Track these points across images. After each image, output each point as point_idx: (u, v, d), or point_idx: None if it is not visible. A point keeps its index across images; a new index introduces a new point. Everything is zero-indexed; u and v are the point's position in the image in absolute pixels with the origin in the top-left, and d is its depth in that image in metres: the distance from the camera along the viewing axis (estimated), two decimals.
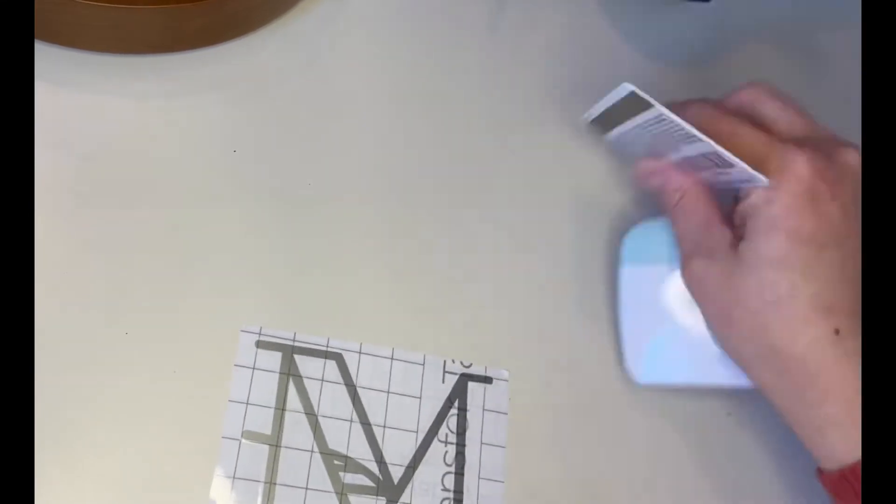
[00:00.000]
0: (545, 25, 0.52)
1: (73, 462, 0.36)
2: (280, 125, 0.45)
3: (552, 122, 0.49)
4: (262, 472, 0.38)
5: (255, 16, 0.45)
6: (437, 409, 0.41)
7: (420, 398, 0.41)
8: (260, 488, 0.38)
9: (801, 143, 0.38)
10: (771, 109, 0.40)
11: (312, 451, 0.39)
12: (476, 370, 0.42)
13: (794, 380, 0.37)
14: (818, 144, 0.38)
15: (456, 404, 0.41)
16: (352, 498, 0.39)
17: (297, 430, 0.39)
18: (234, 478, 0.37)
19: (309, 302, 0.41)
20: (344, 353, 0.41)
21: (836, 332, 0.36)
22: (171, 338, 0.39)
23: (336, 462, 0.39)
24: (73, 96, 0.42)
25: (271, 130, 0.44)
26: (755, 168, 0.37)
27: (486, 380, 0.42)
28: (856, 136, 0.54)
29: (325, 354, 0.40)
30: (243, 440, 0.38)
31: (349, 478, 0.39)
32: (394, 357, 0.41)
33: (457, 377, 0.42)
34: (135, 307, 0.39)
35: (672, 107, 0.38)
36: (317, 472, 0.38)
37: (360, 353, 0.41)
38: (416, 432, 0.40)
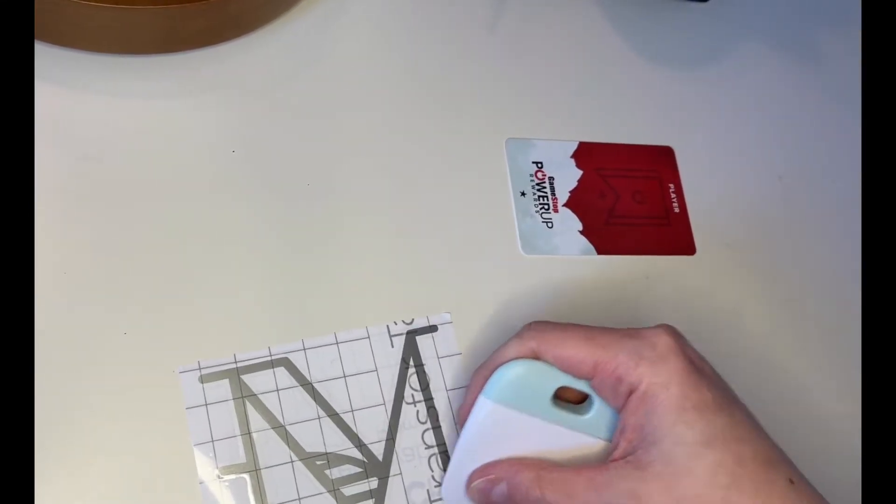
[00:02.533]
0: (545, 26, 0.52)
1: (72, 462, 0.36)
2: (279, 125, 0.45)
3: (552, 122, 0.49)
4: (251, 501, 0.37)
5: (255, 16, 0.45)
6: (396, 374, 0.41)
7: (376, 370, 0.41)
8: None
9: (626, 335, 0.36)
10: (560, 348, 0.36)
11: (293, 461, 0.38)
12: (419, 323, 0.42)
13: None
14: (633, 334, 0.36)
15: (411, 362, 0.42)
16: (345, 490, 0.38)
17: (270, 447, 0.38)
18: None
19: (242, 318, 0.40)
20: (289, 355, 0.40)
21: (791, 481, 0.34)
22: (170, 337, 0.39)
23: (318, 462, 0.39)
24: (73, 96, 0.42)
25: (270, 131, 0.44)
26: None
27: (432, 328, 0.42)
28: (856, 135, 0.55)
29: (272, 364, 0.40)
30: (222, 477, 0.37)
31: (336, 472, 0.39)
32: (338, 341, 0.41)
33: (404, 336, 0.42)
34: (134, 307, 0.39)
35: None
36: (304, 480, 0.38)
37: (304, 349, 0.40)
38: (384, 404, 0.40)
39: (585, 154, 0.49)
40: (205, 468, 0.37)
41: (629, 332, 0.36)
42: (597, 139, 0.50)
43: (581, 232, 0.47)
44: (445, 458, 0.40)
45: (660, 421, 0.34)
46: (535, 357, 0.37)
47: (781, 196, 0.52)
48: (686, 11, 0.56)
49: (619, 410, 0.36)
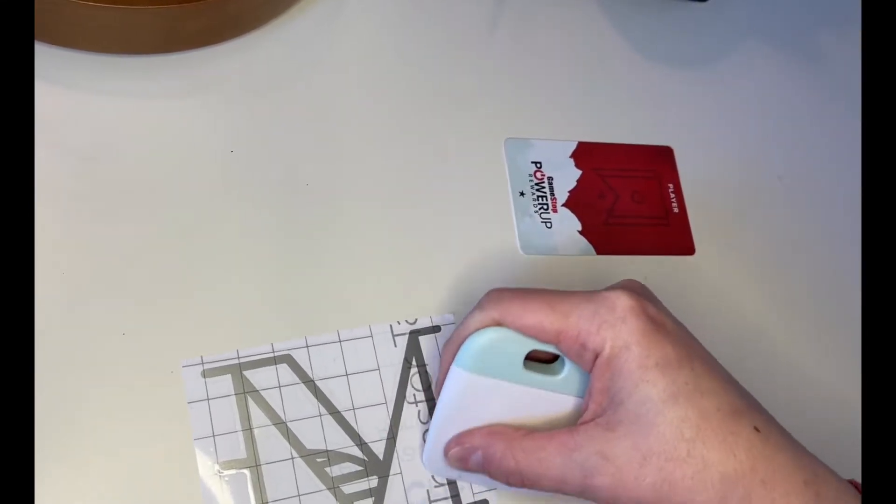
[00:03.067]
0: (544, 25, 0.52)
1: (72, 461, 0.36)
2: (278, 125, 0.45)
3: (551, 122, 0.49)
4: (250, 497, 0.37)
5: (255, 16, 0.45)
6: (398, 373, 0.41)
7: (378, 369, 0.41)
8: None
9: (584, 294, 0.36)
10: (522, 317, 0.36)
11: (293, 458, 0.38)
12: (422, 323, 0.42)
13: (754, 499, 0.34)
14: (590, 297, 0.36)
15: (414, 362, 0.42)
16: (344, 488, 0.38)
17: (271, 443, 0.38)
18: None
19: (244, 315, 0.40)
20: (292, 352, 0.40)
21: (756, 429, 0.35)
22: (172, 334, 0.39)
23: (319, 460, 0.39)
24: (73, 96, 0.42)
25: (269, 131, 0.44)
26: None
27: (435, 329, 0.42)
28: (856, 135, 0.55)
29: (274, 360, 0.40)
30: (222, 472, 0.37)
31: (336, 470, 0.39)
32: (341, 339, 0.41)
33: (407, 336, 0.42)
34: (134, 307, 0.39)
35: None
36: (304, 476, 0.38)
37: (307, 346, 0.40)
38: (385, 403, 0.40)
39: (584, 154, 0.49)
40: (205, 463, 0.37)
41: (589, 296, 0.36)
42: (596, 139, 0.50)
43: (580, 232, 0.47)
44: None
45: (624, 382, 0.35)
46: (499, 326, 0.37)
47: (781, 196, 0.52)
48: (686, 11, 0.56)
49: (589, 373, 0.36)
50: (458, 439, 0.38)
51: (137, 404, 0.38)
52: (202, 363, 0.39)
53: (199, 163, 0.43)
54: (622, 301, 0.35)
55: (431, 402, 0.41)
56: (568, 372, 0.37)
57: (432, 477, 0.40)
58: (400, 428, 0.40)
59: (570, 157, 0.49)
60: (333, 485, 0.39)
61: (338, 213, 0.44)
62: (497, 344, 0.36)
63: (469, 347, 0.36)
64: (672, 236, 0.49)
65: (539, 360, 0.38)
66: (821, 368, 0.48)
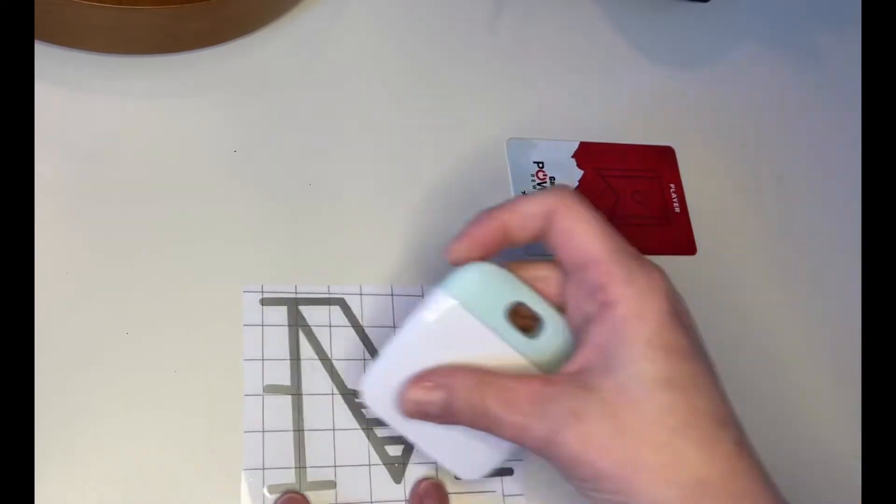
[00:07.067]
0: (545, 26, 0.52)
1: (73, 461, 0.36)
2: (280, 125, 0.45)
3: (553, 122, 0.49)
4: (289, 422, 0.39)
5: (255, 16, 0.45)
6: None
7: None
8: (290, 436, 0.39)
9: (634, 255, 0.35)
10: (576, 222, 0.35)
11: (333, 394, 0.40)
12: None
13: None
14: (639, 258, 0.35)
15: None
16: (377, 431, 0.40)
17: (314, 376, 0.40)
18: (263, 431, 0.38)
19: (306, 255, 0.42)
20: (346, 297, 0.42)
21: (738, 444, 0.33)
22: (171, 337, 0.39)
23: (357, 400, 0.40)
24: (73, 96, 0.42)
25: (271, 130, 0.44)
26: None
27: None
28: (856, 135, 0.55)
29: (328, 301, 0.41)
30: (266, 395, 0.39)
31: (371, 412, 0.39)
32: (393, 293, 0.42)
33: None
34: (135, 307, 0.39)
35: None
36: (341, 412, 0.40)
37: (360, 294, 0.42)
38: None
39: (586, 154, 0.49)
40: (252, 383, 0.39)
41: (636, 255, 0.35)
42: (598, 139, 0.50)
43: None
44: None
45: (625, 350, 0.33)
46: (547, 220, 0.35)
47: (781, 196, 0.52)
48: (686, 11, 0.56)
49: (578, 327, 0.35)
50: (420, 378, 0.35)
51: (138, 405, 0.38)
52: (262, 291, 0.41)
53: (200, 162, 0.43)
54: (657, 276, 0.34)
55: None
56: (545, 338, 0.35)
57: None
58: None
59: (572, 157, 0.49)
60: (367, 426, 0.40)
61: (338, 214, 0.44)
62: (490, 282, 0.35)
63: (462, 276, 0.35)
64: (673, 236, 0.49)
65: (522, 324, 0.36)
66: (821, 368, 0.48)
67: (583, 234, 0.35)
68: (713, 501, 0.32)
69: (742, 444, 0.33)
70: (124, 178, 0.41)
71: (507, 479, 0.40)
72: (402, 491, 0.39)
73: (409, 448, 0.40)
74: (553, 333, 0.36)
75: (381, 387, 0.36)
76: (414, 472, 0.39)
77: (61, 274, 0.39)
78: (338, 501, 0.38)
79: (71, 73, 0.42)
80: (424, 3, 0.50)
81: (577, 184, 0.48)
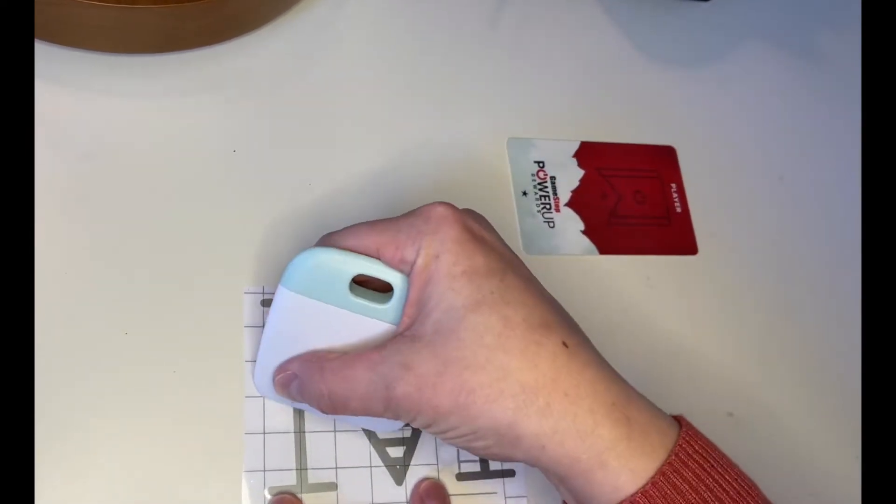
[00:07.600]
0: (546, 25, 0.52)
1: (73, 461, 0.36)
2: (280, 125, 0.45)
3: (554, 121, 0.49)
4: (290, 423, 0.39)
5: (255, 16, 0.45)
6: None
7: None
8: (291, 438, 0.39)
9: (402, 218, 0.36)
10: (344, 238, 0.36)
11: None
12: None
13: (555, 411, 0.33)
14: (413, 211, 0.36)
15: None
16: (378, 433, 0.40)
17: None
18: (264, 433, 0.38)
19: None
20: None
21: (565, 344, 0.34)
22: (171, 338, 0.39)
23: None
24: (73, 96, 0.42)
25: (271, 130, 0.44)
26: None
27: None
28: (856, 135, 0.55)
29: None
30: (266, 397, 0.39)
31: None
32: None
33: None
34: (134, 307, 0.39)
35: None
36: None
37: None
38: None
39: (587, 154, 0.49)
40: (252, 384, 0.39)
41: (407, 213, 0.36)
42: (598, 139, 0.50)
43: (583, 232, 0.47)
44: None
45: (433, 290, 0.34)
46: None
47: (782, 196, 0.52)
48: (686, 11, 0.56)
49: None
50: (283, 366, 0.37)
51: (138, 405, 0.38)
52: (263, 293, 0.41)
53: (200, 162, 0.43)
54: (437, 210, 0.35)
55: None
56: (395, 301, 0.36)
57: None
58: None
59: (573, 156, 0.49)
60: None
61: (339, 214, 0.44)
62: (325, 265, 0.35)
63: (296, 267, 0.35)
64: (674, 236, 0.49)
65: (375, 290, 0.36)
66: (821, 367, 0.48)
67: (355, 242, 0.36)
68: (546, 402, 0.33)
69: (574, 345, 0.34)
70: (124, 177, 0.41)
71: (508, 480, 0.40)
72: (403, 493, 0.39)
73: (410, 450, 0.40)
74: (402, 291, 0.36)
75: (264, 377, 0.38)
76: (415, 474, 0.39)
77: (61, 274, 0.39)
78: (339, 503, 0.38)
79: (71, 73, 0.42)
80: (424, 3, 0.50)
81: (578, 183, 0.48)
